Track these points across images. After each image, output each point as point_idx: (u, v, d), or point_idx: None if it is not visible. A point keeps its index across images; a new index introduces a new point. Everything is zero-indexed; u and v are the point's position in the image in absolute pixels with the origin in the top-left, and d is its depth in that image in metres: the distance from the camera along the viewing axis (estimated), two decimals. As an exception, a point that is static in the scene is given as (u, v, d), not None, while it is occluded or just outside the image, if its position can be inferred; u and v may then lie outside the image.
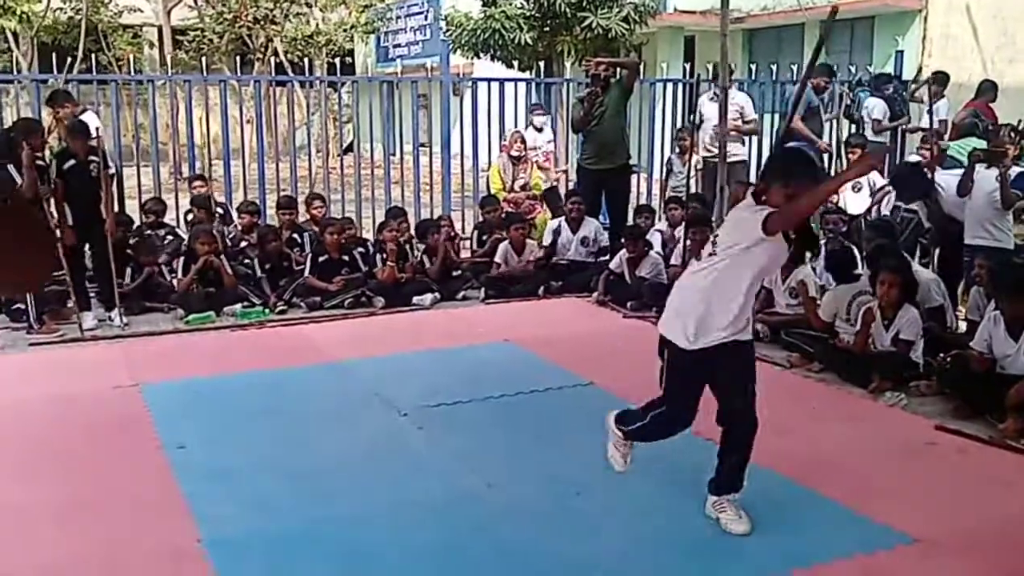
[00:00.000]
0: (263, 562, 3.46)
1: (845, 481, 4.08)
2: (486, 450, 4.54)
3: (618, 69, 8.85)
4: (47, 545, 3.56)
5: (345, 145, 15.59)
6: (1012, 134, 8.08)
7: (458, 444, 4.66)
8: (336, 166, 10.73)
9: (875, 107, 10.40)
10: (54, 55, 9.22)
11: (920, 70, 12.40)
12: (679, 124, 10.94)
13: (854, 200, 7.99)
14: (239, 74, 11.25)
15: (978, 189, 6.48)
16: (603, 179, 8.71)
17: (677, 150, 9.83)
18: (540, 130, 10.46)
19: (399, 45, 24.24)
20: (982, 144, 8.99)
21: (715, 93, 8.70)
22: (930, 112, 9.34)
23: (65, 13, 18.44)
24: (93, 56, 9.93)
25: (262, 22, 14.94)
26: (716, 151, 8.54)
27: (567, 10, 12.22)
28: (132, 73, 10.31)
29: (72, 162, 6.77)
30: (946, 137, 9.00)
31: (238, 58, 11.30)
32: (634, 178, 9.31)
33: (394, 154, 10.42)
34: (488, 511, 3.87)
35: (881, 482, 4.10)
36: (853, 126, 10.50)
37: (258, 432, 4.82)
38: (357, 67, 24.07)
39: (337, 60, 10.34)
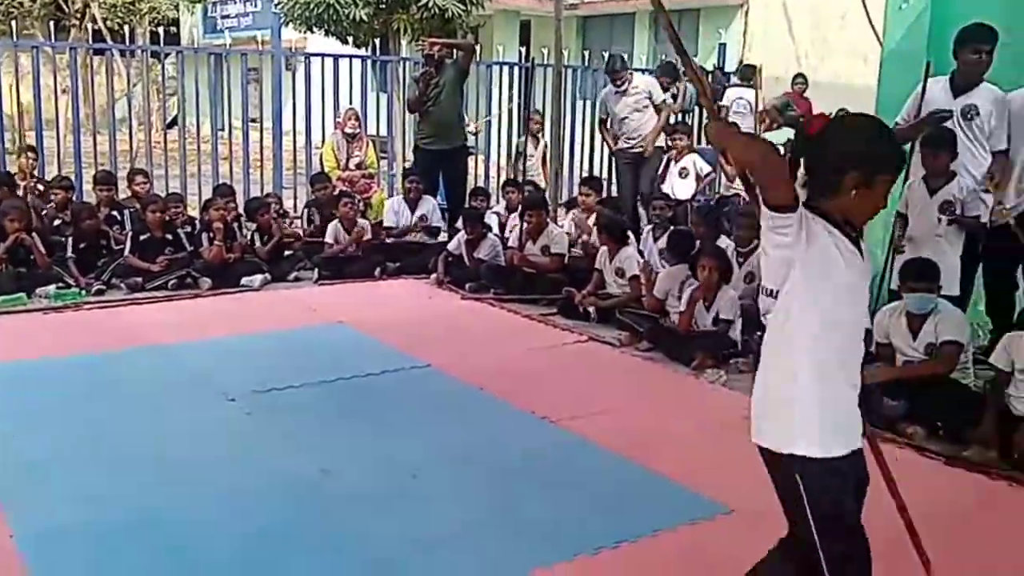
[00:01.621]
0: (83, 556, 3.26)
1: (669, 456, 4.25)
2: (320, 435, 4.45)
3: (454, 50, 8.85)
4: None
5: (169, 119, 14.86)
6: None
7: (291, 430, 4.54)
8: (160, 141, 10.17)
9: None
10: None
11: (741, 62, 13.01)
12: (514, 108, 11.07)
13: (681, 186, 8.30)
14: (54, 40, 10.53)
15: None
16: (440, 160, 8.71)
17: (527, 134, 9.91)
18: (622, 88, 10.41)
19: (228, 16, 23.32)
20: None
21: (619, 83, 8.78)
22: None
23: None
24: None
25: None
26: (634, 142, 8.74)
27: (403, -12, 12.12)
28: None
29: None
30: (761, 127, 9.47)
31: (52, 24, 10.58)
32: (471, 160, 9.36)
33: (223, 129, 10.03)
34: (324, 497, 3.80)
35: (702, 456, 4.29)
36: (680, 115, 10.85)
37: (76, 420, 4.55)
38: (183, 38, 22.97)
39: (161, 29, 9.80)
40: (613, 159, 9.74)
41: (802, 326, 2.33)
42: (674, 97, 9.85)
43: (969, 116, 5.37)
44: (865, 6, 6.80)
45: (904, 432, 4.56)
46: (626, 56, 12.12)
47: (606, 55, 11.94)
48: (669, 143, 8.75)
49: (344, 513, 3.66)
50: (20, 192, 7.93)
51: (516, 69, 11.26)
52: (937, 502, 3.93)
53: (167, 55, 10.90)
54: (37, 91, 8.85)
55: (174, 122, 12.95)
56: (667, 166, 8.55)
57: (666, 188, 8.36)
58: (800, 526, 2.40)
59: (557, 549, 3.37)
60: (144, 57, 10.25)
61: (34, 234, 7.04)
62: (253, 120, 11.53)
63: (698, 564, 3.33)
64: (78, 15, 14.50)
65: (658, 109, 8.93)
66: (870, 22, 6.65)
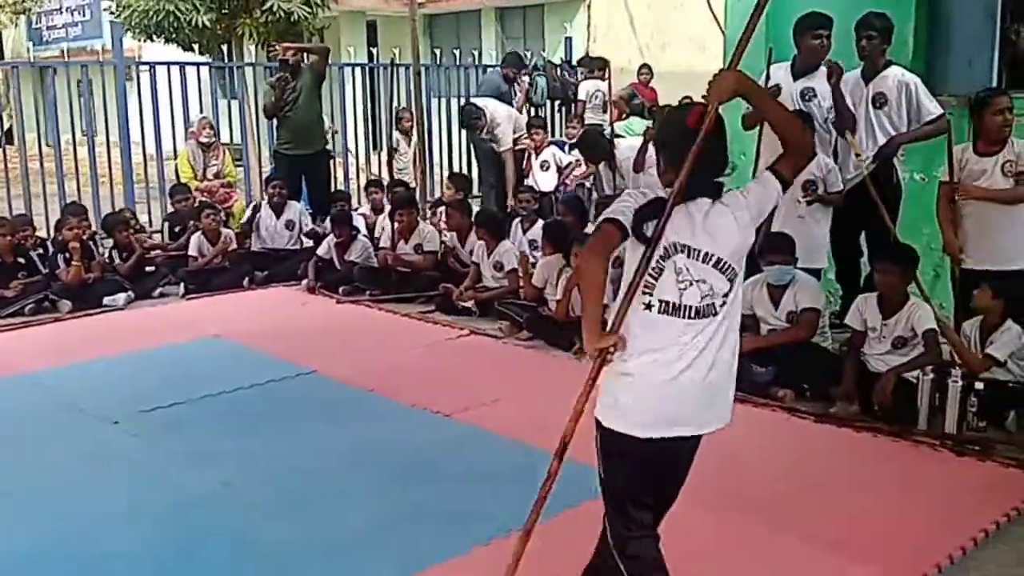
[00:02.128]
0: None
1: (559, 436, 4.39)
2: (215, 450, 4.37)
3: (306, 54, 8.78)
4: None
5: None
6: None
7: (183, 447, 4.44)
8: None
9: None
10: None
11: (587, 54, 13.38)
12: (363, 108, 11.06)
13: (544, 178, 8.49)
14: None
15: (649, 164, 7.16)
16: (301, 164, 8.62)
17: (400, 131, 9.91)
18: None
19: (55, 27, 22.24)
20: (643, 123, 9.95)
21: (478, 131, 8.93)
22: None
23: None
24: None
25: None
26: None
27: (247, -8, 11.84)
28: None
29: None
30: (610, 116, 9.79)
31: None
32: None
33: (51, 146, 9.56)
34: (227, 509, 3.76)
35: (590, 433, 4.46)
36: (533, 109, 11.08)
37: (-57, 459, 4.32)
38: (7, 51, 21.70)
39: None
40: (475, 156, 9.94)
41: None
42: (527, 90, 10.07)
43: (808, 98, 5.74)
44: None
45: (775, 396, 4.88)
46: (476, 53, 12.41)
47: (456, 53, 12.12)
48: (527, 138, 8.96)
49: (250, 523, 3.64)
50: None
51: (366, 70, 11.27)
52: (810, 457, 4.25)
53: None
54: None
55: (9, 138, 12.27)
56: (528, 160, 8.75)
57: (530, 181, 8.56)
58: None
59: (469, 536, 3.45)
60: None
61: None
62: (85, 134, 11.06)
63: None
64: None
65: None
66: (712, 12, 7.00)
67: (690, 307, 2.49)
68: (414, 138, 9.48)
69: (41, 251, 7.32)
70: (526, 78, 10.36)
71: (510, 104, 9.55)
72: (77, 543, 3.48)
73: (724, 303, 2.53)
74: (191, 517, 3.69)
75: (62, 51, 17.58)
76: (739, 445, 4.33)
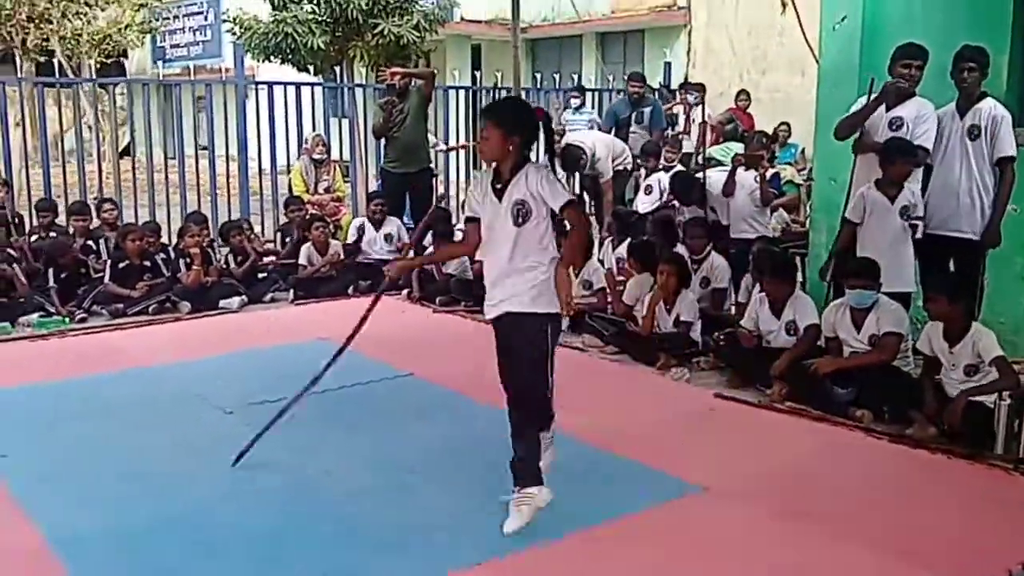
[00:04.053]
0: (113, 555, 3.54)
1: (643, 445, 4.63)
2: (318, 441, 4.75)
3: (416, 79, 9.24)
4: None
5: (121, 148, 14.99)
6: (764, 139, 9.15)
7: (287, 439, 4.79)
8: (112, 171, 10.35)
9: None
10: None
11: (686, 79, 13.57)
12: (465, 129, 11.52)
13: (645, 201, 8.63)
14: (5, 76, 10.62)
15: (739, 188, 7.33)
16: (406, 182, 9.07)
17: None
18: (579, 108, 11.21)
19: (177, 46, 23.48)
20: (739, 147, 10.09)
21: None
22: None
23: None
24: None
25: (36, 20, 14.07)
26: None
27: (359, 16, 12.43)
28: None
29: None
30: (708, 141, 9.99)
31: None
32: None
33: (173, 157, 10.25)
34: (325, 494, 4.11)
35: (673, 443, 4.70)
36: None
37: (80, 437, 4.79)
38: (132, 68, 23.04)
39: (111, 60, 10.02)
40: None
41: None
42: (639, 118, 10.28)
43: (895, 127, 5.84)
44: (802, 27, 7.29)
45: (853, 416, 5.01)
46: (576, 77, 12.74)
47: (557, 77, 12.47)
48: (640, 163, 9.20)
49: (350, 507, 3.97)
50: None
51: (469, 92, 11.72)
52: (884, 475, 4.38)
53: (115, 86, 11.09)
54: None
55: (126, 151, 13.09)
56: (636, 182, 8.94)
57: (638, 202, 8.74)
58: None
59: (547, 529, 3.71)
60: (93, 88, 10.38)
61: (14, 264, 7.23)
62: (204, 148, 11.78)
63: (679, 537, 3.71)
64: (34, 48, 14.55)
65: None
66: (807, 41, 7.14)
67: None
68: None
69: (165, 256, 7.91)
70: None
71: (628, 125, 9.80)
72: (195, 519, 3.86)
73: None
74: (297, 500, 4.05)
75: (184, 69, 18.59)
76: (816, 461, 4.52)
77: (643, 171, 8.88)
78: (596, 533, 3.71)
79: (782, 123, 12.00)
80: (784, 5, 7.22)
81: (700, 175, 7.74)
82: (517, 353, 3.74)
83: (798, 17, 7.20)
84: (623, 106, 10.26)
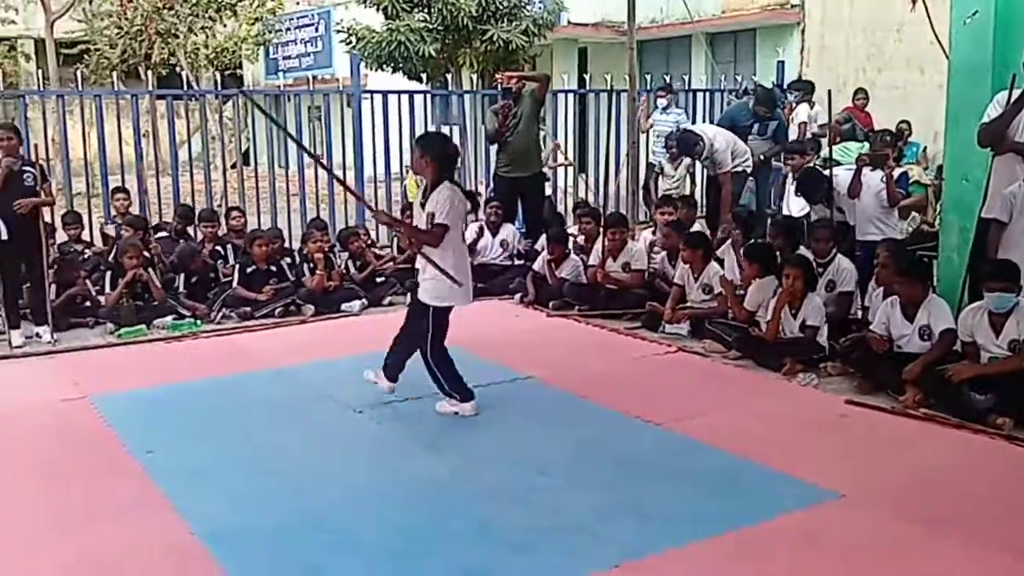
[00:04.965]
0: (260, 548, 3.68)
1: (775, 451, 4.55)
2: (447, 441, 4.85)
3: (529, 82, 9.28)
4: (51, 551, 3.67)
5: (234, 159, 15.58)
6: (889, 137, 8.86)
7: (417, 437, 4.95)
8: (235, 179, 10.72)
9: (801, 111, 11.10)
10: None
11: (798, 78, 13.27)
12: (568, 132, 11.54)
13: (795, 202, 8.39)
14: (133, 88, 11.15)
15: (866, 189, 7.12)
16: (518, 186, 9.13)
17: (667, 155, 10.37)
18: (666, 108, 11.30)
19: (289, 57, 24.15)
20: (859, 146, 9.81)
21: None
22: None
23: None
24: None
25: (164, 36, 14.75)
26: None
27: (469, 23, 12.61)
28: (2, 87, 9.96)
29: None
30: (825, 141, 9.72)
31: (125, 73, 11.16)
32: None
33: (283, 166, 10.55)
34: (458, 493, 4.18)
35: (806, 449, 4.60)
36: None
37: (220, 434, 5.00)
38: (246, 80, 23.84)
39: (227, 73, 10.40)
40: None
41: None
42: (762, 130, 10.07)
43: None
44: (931, 23, 7.04)
45: (994, 424, 4.81)
46: (686, 78, 12.63)
47: (666, 78, 12.38)
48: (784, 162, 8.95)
49: (482, 506, 4.03)
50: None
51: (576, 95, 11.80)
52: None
53: (230, 98, 11.51)
54: (101, 136, 9.36)
55: (245, 160, 13.57)
56: (783, 184, 8.67)
57: (784, 207, 8.49)
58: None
59: (684, 532, 3.71)
60: (217, 101, 10.76)
61: (150, 269, 7.57)
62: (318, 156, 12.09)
63: (818, 544, 3.64)
64: (161, 62, 15.24)
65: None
66: (936, 37, 6.90)
67: None
68: (685, 161, 9.89)
69: (289, 261, 8.16)
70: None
71: (747, 133, 9.66)
72: (329, 516, 3.96)
73: None
74: (427, 498, 4.13)
75: (296, 79, 19.11)
76: (955, 468, 4.38)
77: (789, 172, 8.56)
78: (735, 537, 3.67)
79: (901, 121, 11.62)
80: (914, 1, 6.94)
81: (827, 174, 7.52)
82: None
83: (927, 12, 6.93)
84: (744, 114, 10.02)
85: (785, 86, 12.21)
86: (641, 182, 10.48)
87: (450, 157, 5.10)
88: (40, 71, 11.25)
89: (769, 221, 7.56)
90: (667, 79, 12.37)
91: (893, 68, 13.46)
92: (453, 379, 5.20)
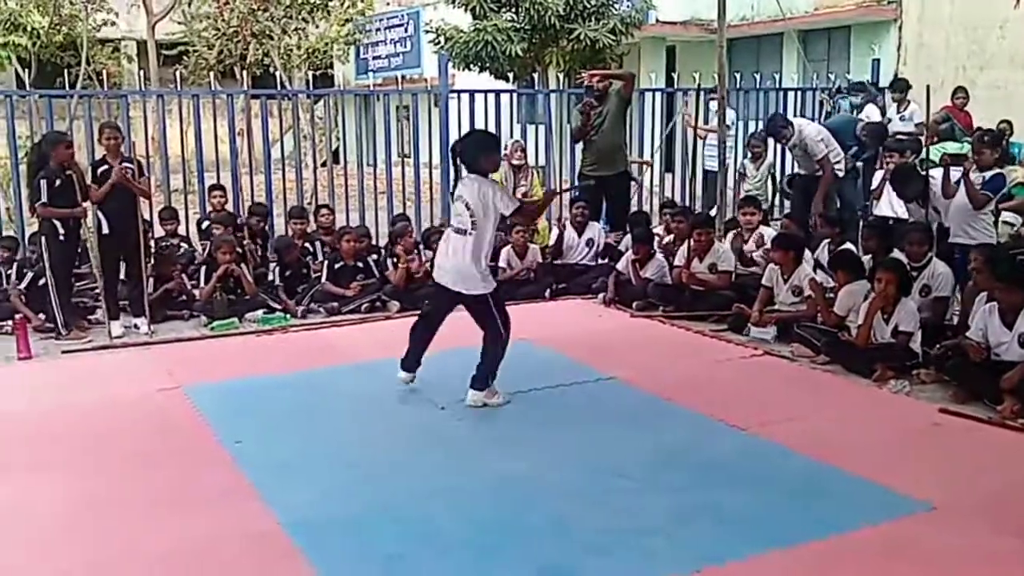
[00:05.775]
0: (344, 539, 3.75)
1: (864, 459, 4.43)
2: (527, 439, 4.86)
3: (615, 80, 9.24)
4: (147, 538, 3.78)
5: (325, 157, 15.91)
6: (984, 138, 8.52)
7: (497, 434, 4.98)
8: (324, 177, 10.97)
9: (872, 113, 10.82)
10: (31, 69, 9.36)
11: (895, 76, 12.88)
12: (659, 132, 11.42)
13: (898, 203, 8.16)
14: (228, 88, 11.44)
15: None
16: (603, 185, 9.09)
17: (750, 155, 10.34)
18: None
19: (378, 57, 24.53)
20: (957, 147, 9.47)
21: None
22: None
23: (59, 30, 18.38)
24: (67, 70, 10.05)
25: (259, 37, 15.15)
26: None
27: (556, 22, 12.59)
28: (107, 88, 10.33)
29: (105, 167, 7.00)
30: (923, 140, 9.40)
31: (221, 73, 11.49)
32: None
33: (371, 165, 10.73)
34: (536, 491, 4.18)
35: (897, 458, 4.47)
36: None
37: (307, 427, 5.11)
38: (337, 80, 24.29)
39: (318, 73, 10.61)
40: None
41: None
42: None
43: None
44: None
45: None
46: (776, 77, 12.39)
47: (756, 76, 12.16)
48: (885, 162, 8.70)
49: (556, 506, 4.02)
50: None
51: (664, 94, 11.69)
52: None
53: (319, 98, 11.71)
54: (198, 134, 9.64)
55: (335, 159, 13.83)
56: (881, 185, 8.43)
57: (883, 205, 8.29)
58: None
59: (765, 539, 3.64)
60: (309, 100, 10.98)
61: (242, 264, 7.78)
62: (405, 155, 12.25)
63: (907, 557, 3.53)
64: (255, 63, 15.64)
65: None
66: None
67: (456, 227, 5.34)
68: (767, 160, 9.74)
69: (376, 257, 8.28)
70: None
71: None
72: (409, 508, 4.02)
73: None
74: (505, 494, 4.15)
75: (385, 79, 19.39)
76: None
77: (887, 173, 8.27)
78: (820, 546, 3.59)
79: (1002, 121, 11.17)
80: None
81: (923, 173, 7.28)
82: None
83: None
84: (848, 130, 9.74)
85: (882, 85, 11.90)
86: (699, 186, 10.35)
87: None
88: (142, 72, 11.64)
89: (862, 224, 7.33)
90: (757, 79, 12.19)
91: (995, 66, 12.95)
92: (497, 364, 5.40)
